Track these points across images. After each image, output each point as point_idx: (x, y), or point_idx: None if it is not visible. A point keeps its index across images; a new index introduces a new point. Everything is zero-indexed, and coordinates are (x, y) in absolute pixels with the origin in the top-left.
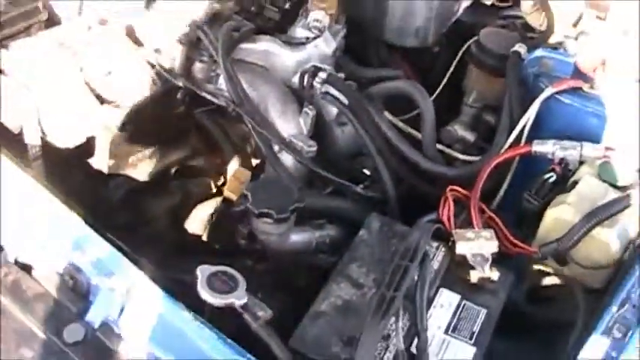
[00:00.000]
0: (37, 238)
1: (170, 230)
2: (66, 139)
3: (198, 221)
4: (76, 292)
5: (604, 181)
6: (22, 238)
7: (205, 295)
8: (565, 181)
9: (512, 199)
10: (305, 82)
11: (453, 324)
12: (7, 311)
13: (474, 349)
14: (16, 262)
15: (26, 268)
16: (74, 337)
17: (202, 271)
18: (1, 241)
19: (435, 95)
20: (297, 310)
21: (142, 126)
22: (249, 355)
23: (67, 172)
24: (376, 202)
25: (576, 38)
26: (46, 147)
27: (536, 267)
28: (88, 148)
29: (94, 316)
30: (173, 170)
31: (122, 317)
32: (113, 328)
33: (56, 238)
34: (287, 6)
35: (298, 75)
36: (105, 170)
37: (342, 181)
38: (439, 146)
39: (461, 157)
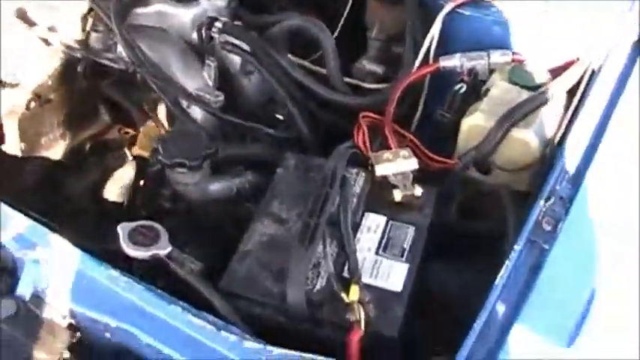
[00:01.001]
0: None
1: (93, 206)
2: None
3: (117, 189)
4: (2, 270)
5: (516, 84)
6: None
7: (129, 249)
8: (477, 92)
9: (434, 122)
10: (203, 35)
11: (382, 244)
12: None
13: (406, 265)
14: None
15: None
16: (6, 312)
17: (123, 228)
18: None
19: (337, 33)
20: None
21: (48, 104)
22: (181, 302)
23: None
24: (294, 144)
25: None
26: None
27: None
28: None
29: (24, 289)
30: (88, 146)
31: (50, 285)
32: (43, 297)
33: None
34: None
35: (196, 30)
36: (19, 154)
37: (253, 124)
38: (351, 80)
39: (372, 86)
